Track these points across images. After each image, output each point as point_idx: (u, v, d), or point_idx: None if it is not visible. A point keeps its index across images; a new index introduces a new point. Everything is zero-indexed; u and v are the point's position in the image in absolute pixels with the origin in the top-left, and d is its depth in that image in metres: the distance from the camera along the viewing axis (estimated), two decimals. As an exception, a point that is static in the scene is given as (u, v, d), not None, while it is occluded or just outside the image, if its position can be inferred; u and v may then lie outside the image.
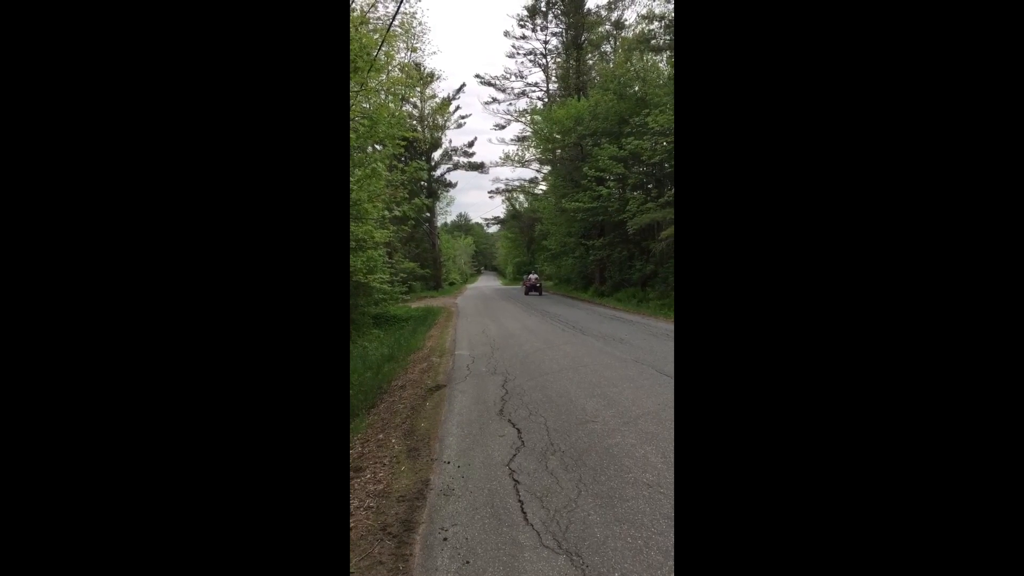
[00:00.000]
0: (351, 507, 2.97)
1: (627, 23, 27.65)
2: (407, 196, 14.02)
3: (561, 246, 25.88)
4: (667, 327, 11.04)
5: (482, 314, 15.29)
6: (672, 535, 2.48)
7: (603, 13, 29.18)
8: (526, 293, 25.76)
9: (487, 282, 45.21)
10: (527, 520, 2.68)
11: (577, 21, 29.51)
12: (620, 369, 6.47)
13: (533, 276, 26.97)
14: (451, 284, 38.90)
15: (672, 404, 4.81)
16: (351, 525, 2.74)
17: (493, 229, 52.71)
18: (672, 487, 3.01)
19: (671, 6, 17.09)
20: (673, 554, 2.33)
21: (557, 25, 31.22)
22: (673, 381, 5.77)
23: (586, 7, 29.63)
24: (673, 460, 3.41)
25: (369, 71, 8.74)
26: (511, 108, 37.03)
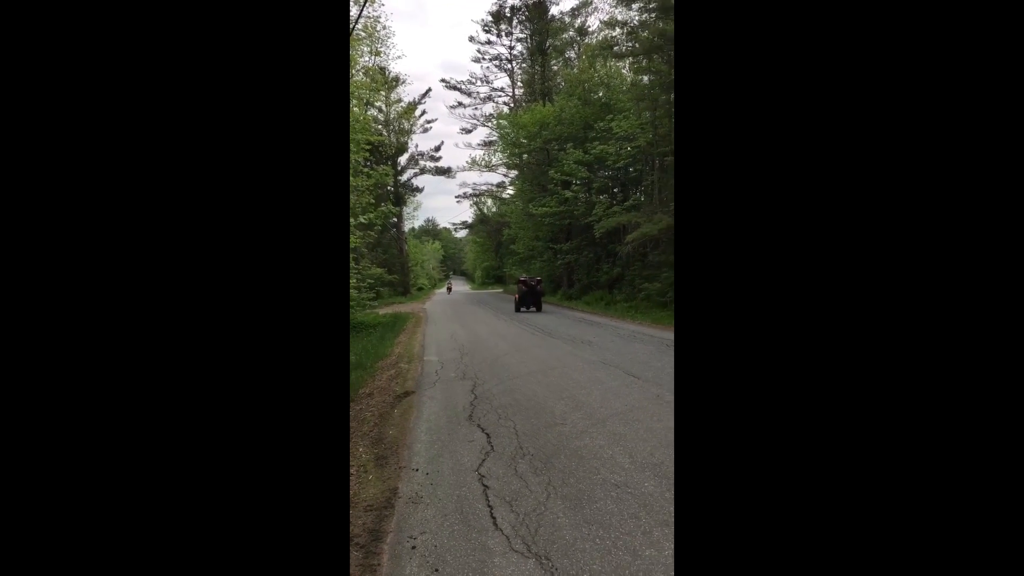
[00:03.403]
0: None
1: (590, 29, 28.04)
2: (373, 202, 13.86)
3: (529, 250, 26.00)
4: (634, 328, 11.20)
5: (451, 319, 15.22)
6: (640, 535, 2.51)
7: (567, 19, 29.53)
8: (517, 309, 17.02)
9: (456, 287, 45.03)
10: (496, 525, 2.67)
11: (541, 27, 29.80)
12: (588, 371, 6.52)
13: (533, 280, 17.65)
14: (420, 289, 38.59)
15: (639, 405, 4.88)
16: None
17: (461, 234, 52.56)
18: (639, 487, 3.05)
19: (633, 13, 17.41)
20: (640, 553, 2.36)
21: (522, 31, 31.48)
22: (640, 382, 5.85)
23: (550, 13, 29.93)
24: (641, 461, 3.45)
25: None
26: (477, 113, 37.12)
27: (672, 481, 3.11)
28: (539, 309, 17.24)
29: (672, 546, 2.40)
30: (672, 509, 2.76)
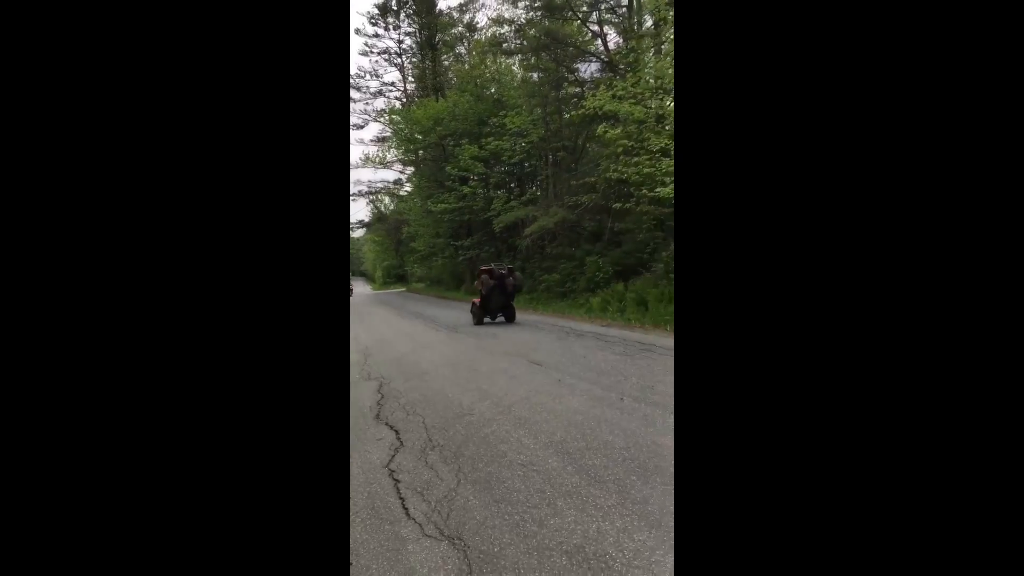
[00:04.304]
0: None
1: (479, 25, 28.28)
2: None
3: (430, 247, 25.79)
4: (536, 319, 11.59)
5: (352, 322, 14.79)
6: (545, 507, 2.70)
7: (455, 15, 29.52)
8: (479, 320, 10.84)
9: (357, 288, 43.57)
10: (409, 515, 2.74)
11: (430, 21, 29.54)
12: (493, 362, 6.70)
13: (502, 269, 10.99)
14: (317, 293, 36.72)
15: (542, 389, 5.12)
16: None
17: (358, 233, 50.87)
18: (543, 464, 3.25)
19: (519, 11, 17.82)
20: (545, 523, 2.54)
21: (410, 25, 30.99)
22: (542, 368, 6.12)
23: (438, 8, 29.76)
24: (544, 440, 3.66)
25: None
26: (368, 108, 36.14)
27: (573, 458, 3.35)
28: (512, 319, 10.95)
29: (574, 513, 2.61)
30: (574, 481, 2.98)
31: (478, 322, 10.93)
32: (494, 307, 10.84)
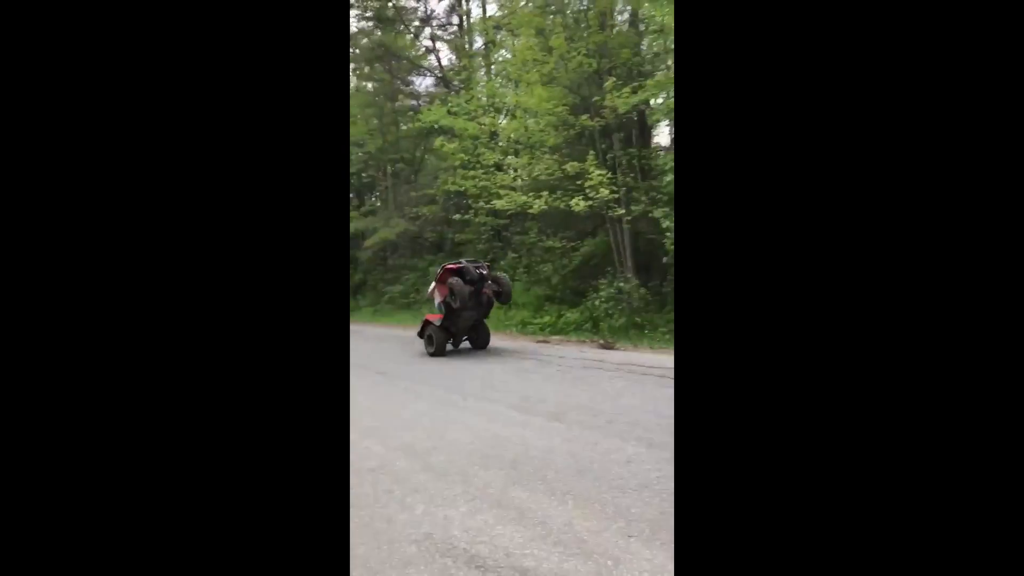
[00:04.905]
0: None
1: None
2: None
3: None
4: (381, 331, 11.51)
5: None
6: (394, 504, 2.83)
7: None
8: (440, 348, 7.16)
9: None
10: (253, 534, 2.69)
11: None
12: (337, 377, 6.58)
13: (479, 266, 7.34)
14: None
15: (388, 397, 5.22)
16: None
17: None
18: (392, 466, 3.37)
19: (351, 20, 17.51)
20: (394, 519, 2.68)
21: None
22: (388, 378, 6.19)
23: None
24: (393, 445, 3.78)
25: None
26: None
27: (421, 457, 3.52)
28: (485, 344, 7.74)
29: (423, 506, 2.78)
30: (421, 478, 3.16)
31: (438, 351, 7.20)
32: (463, 326, 7.35)
